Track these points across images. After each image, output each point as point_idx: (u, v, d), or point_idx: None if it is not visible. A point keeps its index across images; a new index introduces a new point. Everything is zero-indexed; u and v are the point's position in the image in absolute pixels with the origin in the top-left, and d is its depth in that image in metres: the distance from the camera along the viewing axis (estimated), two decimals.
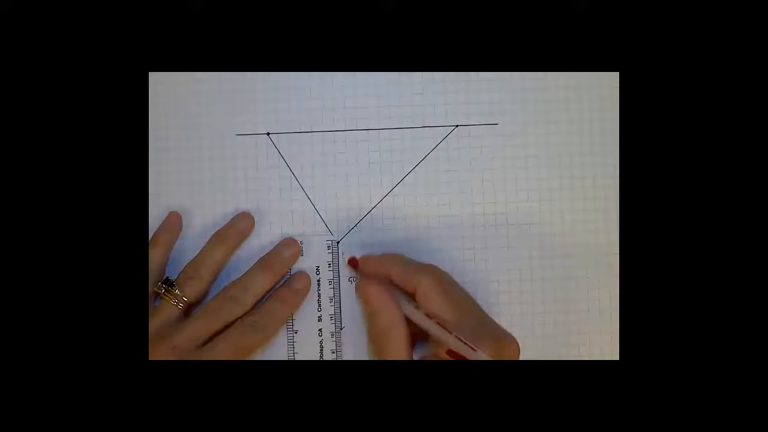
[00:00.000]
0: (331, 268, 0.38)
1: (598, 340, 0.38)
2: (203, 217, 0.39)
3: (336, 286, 0.38)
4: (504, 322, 0.36)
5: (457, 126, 0.39)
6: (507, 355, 0.31)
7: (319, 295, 0.38)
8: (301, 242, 0.38)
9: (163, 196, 0.39)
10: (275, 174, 0.39)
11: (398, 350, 0.31)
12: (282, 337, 0.38)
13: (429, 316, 0.32)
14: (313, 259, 0.38)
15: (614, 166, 0.39)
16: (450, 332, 0.31)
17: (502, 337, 0.32)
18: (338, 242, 0.39)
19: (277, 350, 0.38)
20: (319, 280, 0.38)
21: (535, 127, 0.39)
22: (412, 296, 0.33)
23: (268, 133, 0.39)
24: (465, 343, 0.30)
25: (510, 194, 0.39)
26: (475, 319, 0.33)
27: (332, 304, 0.38)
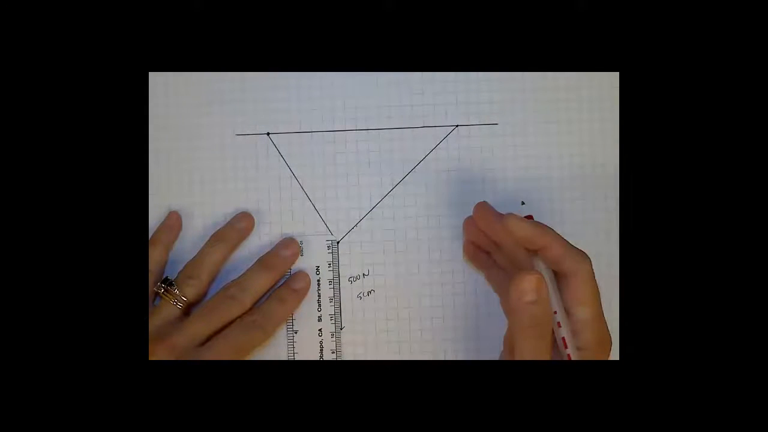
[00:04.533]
0: (331, 268, 0.38)
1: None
2: (203, 217, 0.39)
3: (336, 285, 0.38)
4: (504, 322, 0.36)
5: (457, 126, 0.39)
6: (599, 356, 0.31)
7: (319, 295, 0.38)
8: (301, 242, 0.38)
9: (163, 196, 0.39)
10: (275, 174, 0.39)
11: (545, 347, 0.30)
12: (282, 337, 0.38)
13: (566, 303, 0.31)
14: (313, 258, 0.38)
15: (614, 166, 0.39)
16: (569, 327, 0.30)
17: (608, 340, 0.31)
18: (338, 242, 0.39)
19: (277, 350, 0.38)
20: (319, 280, 0.38)
21: (535, 127, 0.39)
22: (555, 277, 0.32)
23: (268, 133, 0.39)
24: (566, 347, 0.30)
25: (510, 194, 0.39)
26: (602, 319, 0.31)
27: (332, 303, 0.38)
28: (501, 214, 0.33)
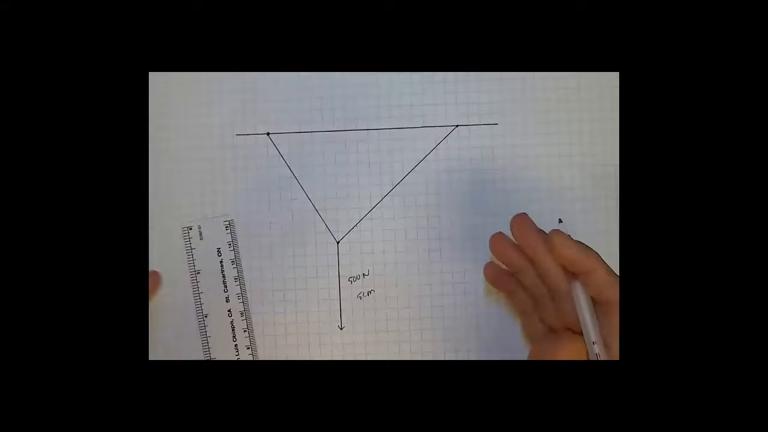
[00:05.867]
0: (231, 248, 0.39)
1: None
2: (203, 217, 0.39)
3: (336, 285, 0.38)
4: (504, 322, 0.36)
5: (457, 126, 0.39)
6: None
7: (223, 276, 0.38)
8: (200, 226, 0.38)
9: (163, 196, 0.39)
10: (275, 174, 0.39)
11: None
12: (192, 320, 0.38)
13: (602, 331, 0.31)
14: (214, 240, 0.39)
15: (614, 166, 0.39)
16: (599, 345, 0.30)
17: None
18: (338, 242, 0.39)
19: (278, 348, 0.38)
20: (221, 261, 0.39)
21: (535, 127, 0.39)
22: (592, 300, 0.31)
23: (268, 133, 0.39)
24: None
25: (510, 194, 0.39)
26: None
27: (237, 283, 0.38)
28: (542, 230, 0.32)
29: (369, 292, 0.38)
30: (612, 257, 0.38)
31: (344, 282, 0.38)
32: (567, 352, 0.30)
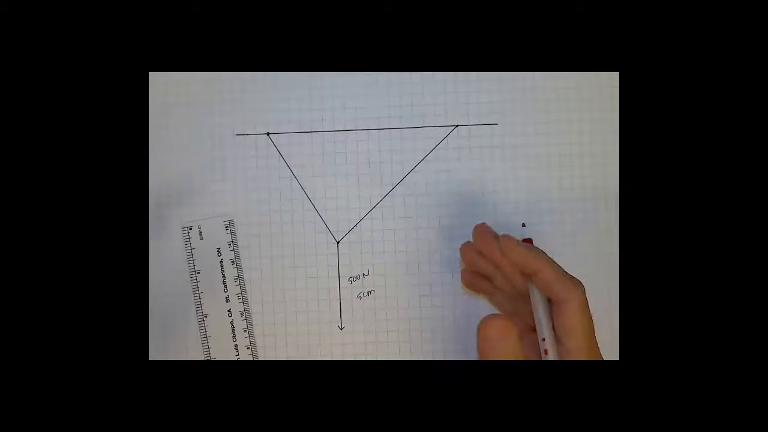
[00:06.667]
0: (232, 248, 0.39)
1: (599, 340, 0.38)
2: (203, 217, 0.39)
3: (336, 285, 0.38)
4: None
5: (457, 126, 0.39)
6: None
7: (223, 276, 0.38)
8: (200, 226, 0.38)
9: (163, 196, 0.39)
10: (275, 174, 0.39)
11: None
12: (192, 323, 0.38)
13: (556, 330, 0.31)
14: (214, 240, 0.39)
15: (614, 166, 0.39)
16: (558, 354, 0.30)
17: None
18: (338, 242, 0.39)
19: (276, 348, 0.38)
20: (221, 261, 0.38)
21: (535, 127, 0.39)
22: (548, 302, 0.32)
23: (268, 133, 0.39)
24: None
25: (510, 194, 0.39)
26: (592, 349, 0.31)
27: (237, 283, 0.38)
28: (498, 236, 0.33)
29: (369, 292, 0.38)
30: (612, 257, 0.38)
31: (344, 282, 0.38)
32: (489, 328, 0.29)
